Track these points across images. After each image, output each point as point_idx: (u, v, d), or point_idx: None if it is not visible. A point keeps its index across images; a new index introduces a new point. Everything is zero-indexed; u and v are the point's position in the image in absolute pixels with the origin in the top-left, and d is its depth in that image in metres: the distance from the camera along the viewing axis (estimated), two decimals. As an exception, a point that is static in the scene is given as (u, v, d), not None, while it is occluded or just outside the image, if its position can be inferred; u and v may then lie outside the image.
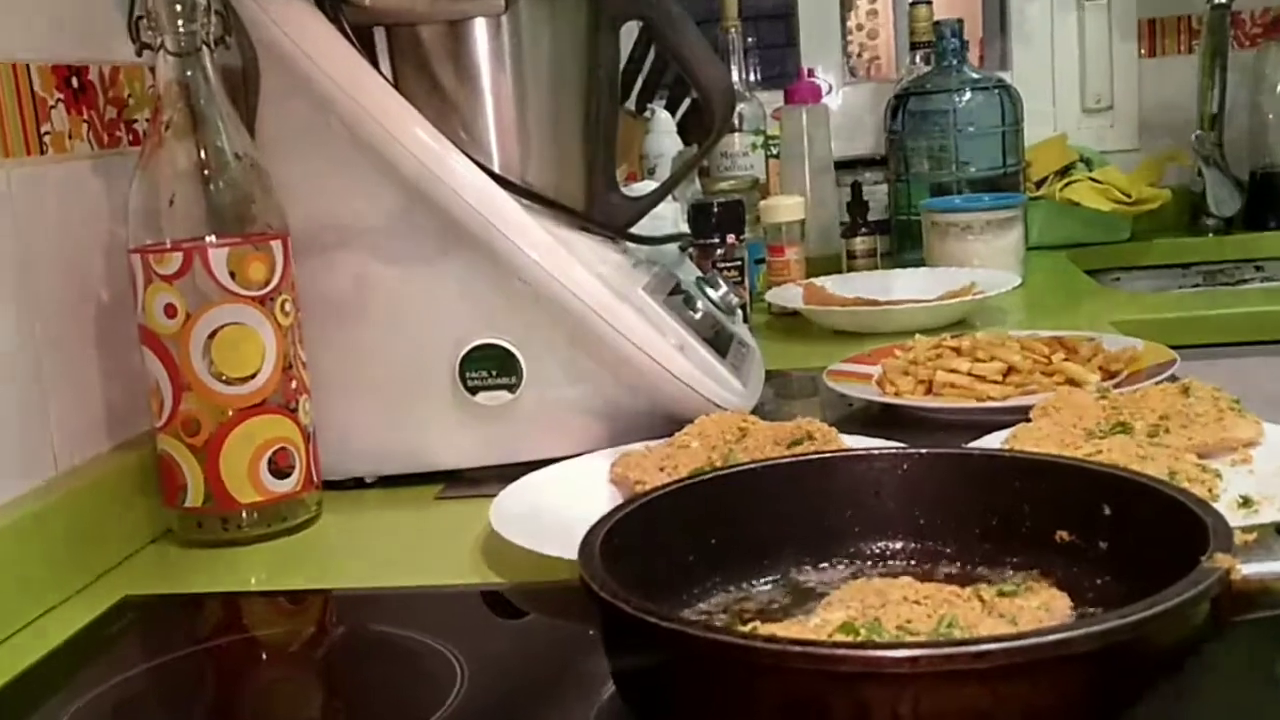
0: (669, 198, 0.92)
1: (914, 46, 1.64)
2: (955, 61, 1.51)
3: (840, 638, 0.43)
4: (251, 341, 0.71)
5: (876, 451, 0.58)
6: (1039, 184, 1.65)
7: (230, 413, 0.71)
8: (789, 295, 1.28)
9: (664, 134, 1.37)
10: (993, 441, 0.71)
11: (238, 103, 0.75)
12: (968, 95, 1.50)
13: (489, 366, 0.78)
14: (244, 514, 0.72)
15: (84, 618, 0.63)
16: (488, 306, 0.77)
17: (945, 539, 0.54)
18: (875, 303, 1.24)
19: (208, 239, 0.70)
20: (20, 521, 0.64)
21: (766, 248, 1.35)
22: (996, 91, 1.51)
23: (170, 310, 0.70)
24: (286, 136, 0.77)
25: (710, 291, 0.89)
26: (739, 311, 0.94)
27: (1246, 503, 0.59)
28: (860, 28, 1.85)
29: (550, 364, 0.78)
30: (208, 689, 0.57)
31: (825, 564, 0.54)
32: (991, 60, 1.88)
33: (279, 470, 0.72)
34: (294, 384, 0.73)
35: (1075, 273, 1.48)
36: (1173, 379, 0.80)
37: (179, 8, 0.70)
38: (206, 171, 0.71)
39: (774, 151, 1.57)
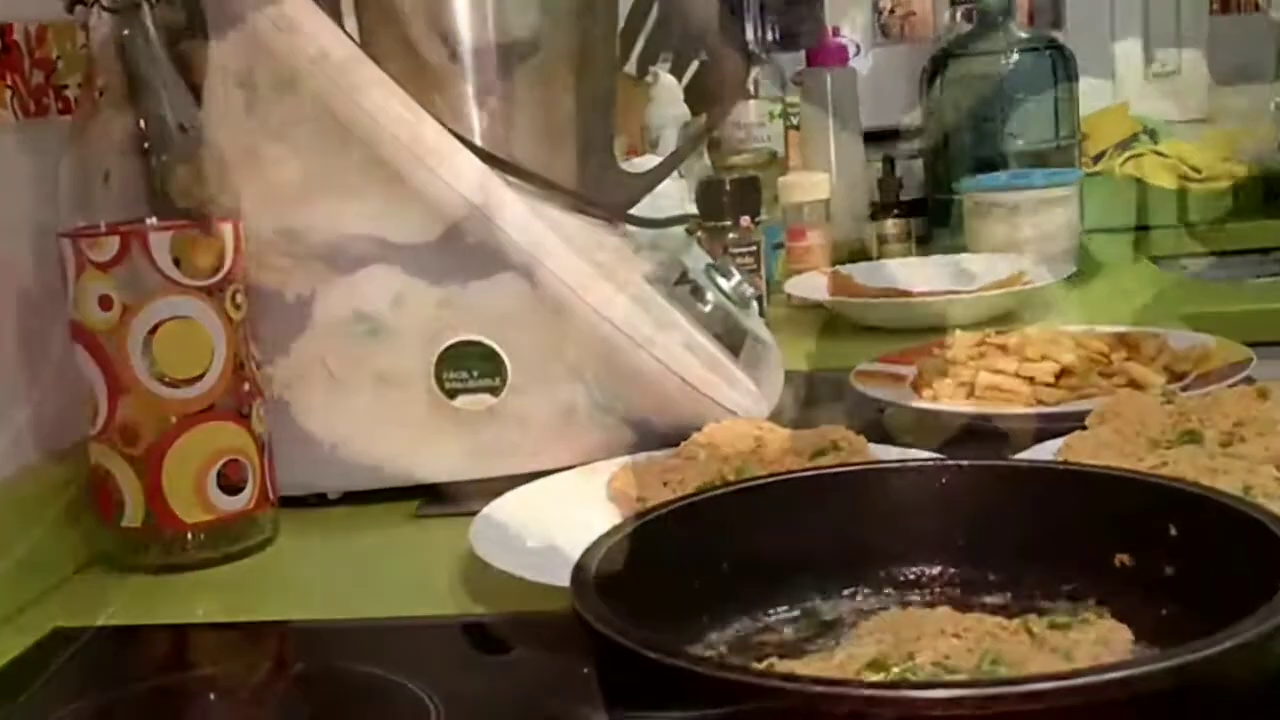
0: (674, 174, 0.92)
1: (954, 2, 1.64)
2: (1001, 19, 1.51)
3: (869, 676, 0.43)
4: (198, 338, 0.71)
5: (911, 463, 0.58)
6: (1096, 158, 1.65)
7: (174, 419, 0.71)
8: (811, 285, 1.28)
9: (669, 101, 1.37)
10: (1043, 452, 0.71)
11: (183, 66, 0.75)
12: (1015, 57, 1.50)
13: (468, 366, 0.78)
14: (189, 535, 0.72)
15: (8, 652, 0.63)
16: (466, 298, 0.77)
17: (989, 563, 0.54)
18: (909, 294, 1.24)
19: (148, 221, 0.70)
20: (-65, 543, 0.64)
21: (786, 231, 1.35)
22: (1048, 53, 1.51)
23: (105, 302, 0.70)
24: (238, 105, 0.77)
25: (721, 281, 0.89)
26: (754, 304, 0.94)
27: (1333, 522, 0.59)
28: (893, -19, 1.85)
29: (538, 364, 0.78)
30: (148, 734, 0.57)
31: (852, 592, 0.54)
32: (1042, 18, 1.87)
33: (230, 485, 0.72)
34: (247, 386, 0.73)
35: (1138, 259, 1.48)
36: (1248, 381, 0.80)
37: (115, -43, 0.70)
38: (147, 144, 0.71)
39: (794, 121, 1.57)
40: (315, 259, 0.77)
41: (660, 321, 0.78)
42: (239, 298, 0.73)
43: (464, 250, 0.76)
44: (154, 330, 0.70)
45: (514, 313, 0.77)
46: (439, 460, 0.79)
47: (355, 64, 0.75)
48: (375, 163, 0.75)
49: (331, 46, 0.75)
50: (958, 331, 0.96)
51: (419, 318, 0.78)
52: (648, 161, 0.93)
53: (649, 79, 1.36)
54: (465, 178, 0.76)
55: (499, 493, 0.72)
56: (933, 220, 1.57)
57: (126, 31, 0.71)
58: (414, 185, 0.75)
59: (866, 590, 0.54)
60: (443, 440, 0.79)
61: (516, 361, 0.78)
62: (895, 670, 0.44)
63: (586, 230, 0.81)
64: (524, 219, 0.76)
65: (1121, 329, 0.95)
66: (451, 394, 0.79)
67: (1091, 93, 1.61)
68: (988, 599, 0.53)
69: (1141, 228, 1.62)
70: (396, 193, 0.76)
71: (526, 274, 0.76)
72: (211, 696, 0.60)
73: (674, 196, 1.06)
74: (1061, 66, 1.50)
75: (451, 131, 0.76)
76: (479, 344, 0.78)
